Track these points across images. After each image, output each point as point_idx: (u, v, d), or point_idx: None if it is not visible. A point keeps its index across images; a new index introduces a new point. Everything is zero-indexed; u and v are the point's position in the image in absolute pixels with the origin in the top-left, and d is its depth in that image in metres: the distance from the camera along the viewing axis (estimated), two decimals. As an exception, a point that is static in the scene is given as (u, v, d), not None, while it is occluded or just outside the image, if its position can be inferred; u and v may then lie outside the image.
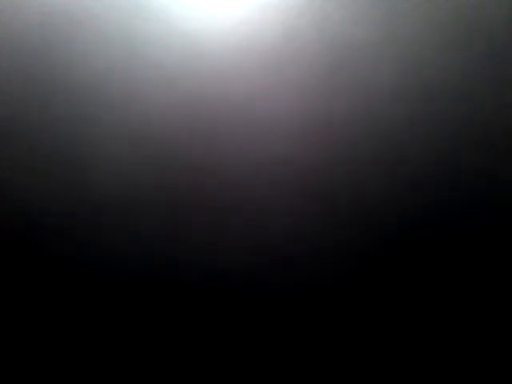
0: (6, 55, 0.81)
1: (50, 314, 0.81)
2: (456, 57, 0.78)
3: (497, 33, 0.78)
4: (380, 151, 0.78)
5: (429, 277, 0.78)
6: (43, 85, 0.80)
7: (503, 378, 0.77)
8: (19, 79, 0.81)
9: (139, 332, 0.80)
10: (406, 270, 0.78)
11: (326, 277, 0.79)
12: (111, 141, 0.80)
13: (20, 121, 0.80)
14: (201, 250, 0.79)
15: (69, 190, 0.80)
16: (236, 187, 0.79)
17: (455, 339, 0.78)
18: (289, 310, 0.79)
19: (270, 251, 0.79)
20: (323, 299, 0.79)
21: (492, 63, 0.78)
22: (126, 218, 0.80)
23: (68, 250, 0.80)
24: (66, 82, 0.80)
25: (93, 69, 0.80)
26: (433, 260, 0.78)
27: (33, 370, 0.81)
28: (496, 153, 0.77)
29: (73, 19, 0.81)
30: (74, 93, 0.80)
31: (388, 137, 0.78)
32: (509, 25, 0.78)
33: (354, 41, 0.79)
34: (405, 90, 0.78)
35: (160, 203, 0.80)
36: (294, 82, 0.79)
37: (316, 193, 0.79)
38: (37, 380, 0.81)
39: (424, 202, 0.78)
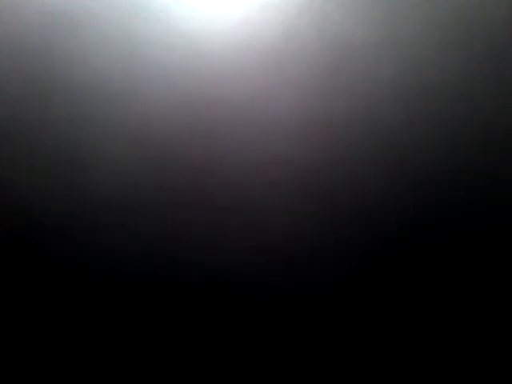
0: (5, 55, 0.81)
1: (50, 314, 0.81)
2: (456, 57, 0.78)
3: (497, 33, 0.78)
4: (380, 151, 0.78)
5: (429, 277, 0.78)
6: (43, 85, 0.80)
7: (503, 378, 0.77)
8: (19, 79, 0.81)
9: (139, 332, 0.80)
10: (406, 269, 0.78)
11: (325, 277, 0.79)
12: (111, 141, 0.80)
13: (20, 121, 0.80)
14: (201, 250, 0.79)
15: (69, 190, 0.80)
16: (236, 187, 0.79)
17: (455, 339, 0.78)
18: (289, 310, 0.79)
19: (270, 251, 0.79)
20: (323, 299, 0.79)
21: (492, 63, 0.78)
22: (126, 218, 0.80)
23: (68, 250, 0.80)
24: (66, 81, 0.80)
25: (93, 69, 0.80)
26: (433, 260, 0.78)
27: (33, 369, 0.81)
28: (496, 153, 0.77)
29: (73, 19, 0.81)
30: (73, 93, 0.80)
31: (388, 137, 0.78)
32: (509, 25, 0.78)
33: (354, 41, 0.79)
34: (405, 90, 0.78)
35: (160, 203, 0.80)
36: (294, 82, 0.79)
37: (316, 193, 0.79)
38: (37, 380, 0.81)
39: (424, 202, 0.78)
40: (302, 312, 0.79)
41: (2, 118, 0.80)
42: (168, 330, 0.80)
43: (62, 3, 0.81)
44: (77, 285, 0.80)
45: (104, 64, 0.80)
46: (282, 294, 0.79)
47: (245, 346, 0.80)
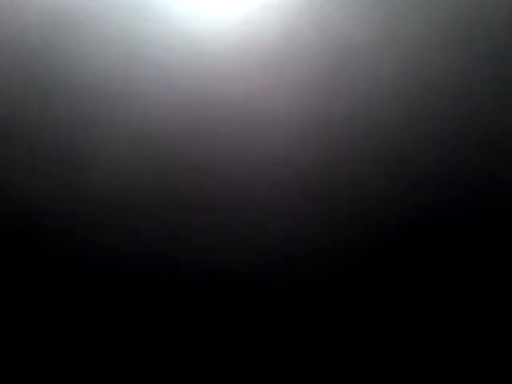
0: (5, 55, 0.81)
1: (50, 314, 0.81)
2: (456, 57, 0.78)
3: (497, 33, 0.78)
4: (380, 151, 0.78)
5: (429, 277, 0.78)
6: (43, 85, 0.80)
7: (503, 378, 0.77)
8: (19, 79, 0.81)
9: (139, 332, 0.80)
10: (406, 269, 0.78)
11: (325, 277, 0.79)
12: (111, 141, 0.80)
13: (20, 121, 0.80)
14: (201, 250, 0.79)
15: (69, 190, 0.80)
16: (236, 187, 0.79)
17: (455, 339, 0.78)
18: (289, 310, 0.79)
19: (270, 251, 0.79)
20: (323, 299, 0.79)
21: (492, 63, 0.78)
22: (126, 218, 0.80)
23: (68, 250, 0.80)
24: (66, 81, 0.80)
25: (93, 69, 0.80)
26: (433, 260, 0.78)
27: (33, 369, 0.81)
28: (496, 153, 0.77)
29: (73, 19, 0.81)
30: (73, 93, 0.80)
31: (388, 137, 0.78)
32: (509, 25, 0.78)
33: (354, 41, 0.79)
34: (405, 90, 0.78)
35: (160, 203, 0.80)
36: (294, 82, 0.79)
37: (316, 193, 0.79)
38: (37, 380, 0.81)
39: (424, 202, 0.78)
40: (302, 312, 0.79)
41: (2, 118, 0.80)
42: (168, 330, 0.80)
43: (62, 3, 0.81)
44: (77, 285, 0.80)
45: (104, 64, 0.80)
46: (282, 294, 0.79)
47: (245, 345, 0.80)
